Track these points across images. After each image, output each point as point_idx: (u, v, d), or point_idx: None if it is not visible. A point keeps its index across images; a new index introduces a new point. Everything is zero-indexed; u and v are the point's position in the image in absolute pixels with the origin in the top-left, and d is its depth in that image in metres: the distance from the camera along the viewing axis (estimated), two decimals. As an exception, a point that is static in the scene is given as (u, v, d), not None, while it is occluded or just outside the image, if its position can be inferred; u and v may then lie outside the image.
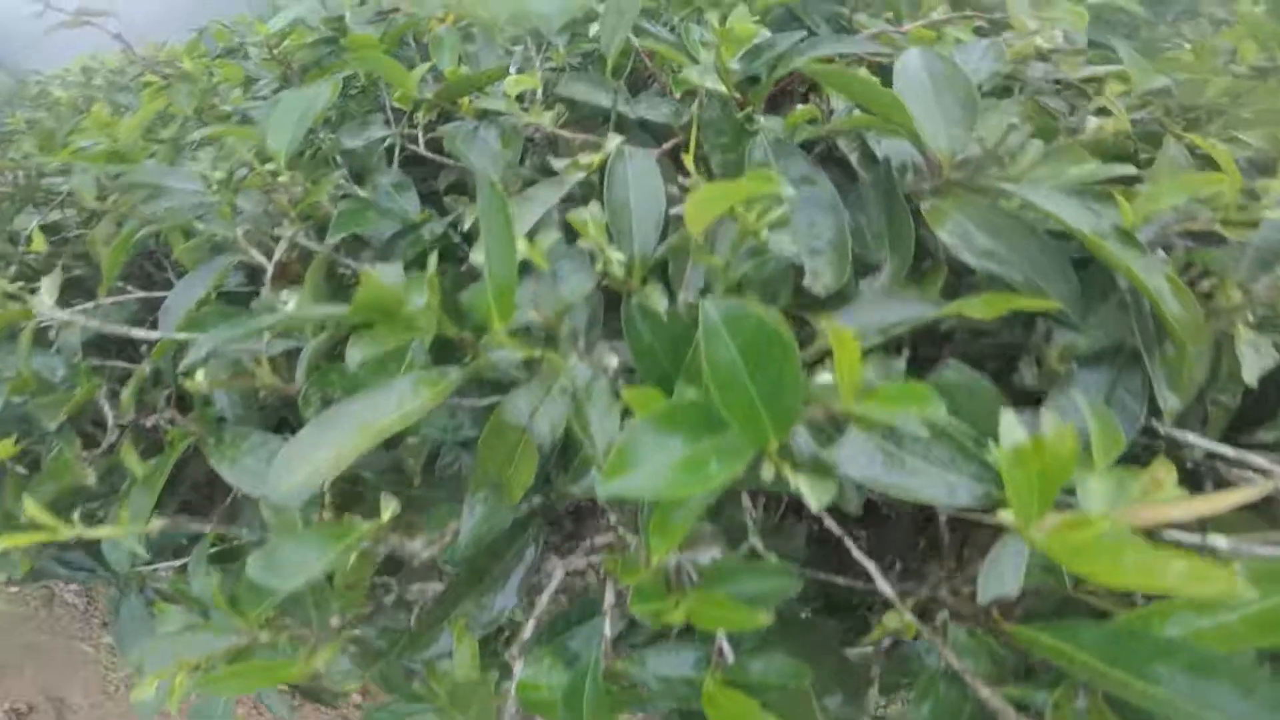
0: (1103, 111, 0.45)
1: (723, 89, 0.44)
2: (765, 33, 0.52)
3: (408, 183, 0.56)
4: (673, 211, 0.40)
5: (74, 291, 0.78)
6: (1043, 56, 0.50)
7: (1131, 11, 0.61)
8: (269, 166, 0.51)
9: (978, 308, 0.33)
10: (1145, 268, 0.32)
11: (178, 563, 0.74)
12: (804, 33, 0.51)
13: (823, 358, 0.38)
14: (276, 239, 0.50)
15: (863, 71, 0.43)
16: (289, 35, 0.73)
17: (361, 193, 0.59)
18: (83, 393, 0.56)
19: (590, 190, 0.40)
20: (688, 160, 0.41)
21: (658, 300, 0.37)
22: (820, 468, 0.33)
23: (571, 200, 0.42)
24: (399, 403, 0.36)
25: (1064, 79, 0.49)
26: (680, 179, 0.38)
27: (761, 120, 0.44)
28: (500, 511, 0.43)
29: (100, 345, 0.72)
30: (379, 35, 0.68)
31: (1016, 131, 0.37)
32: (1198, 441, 0.36)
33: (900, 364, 0.37)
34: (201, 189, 0.50)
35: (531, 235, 0.39)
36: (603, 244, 0.36)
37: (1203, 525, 0.29)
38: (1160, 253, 0.35)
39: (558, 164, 0.40)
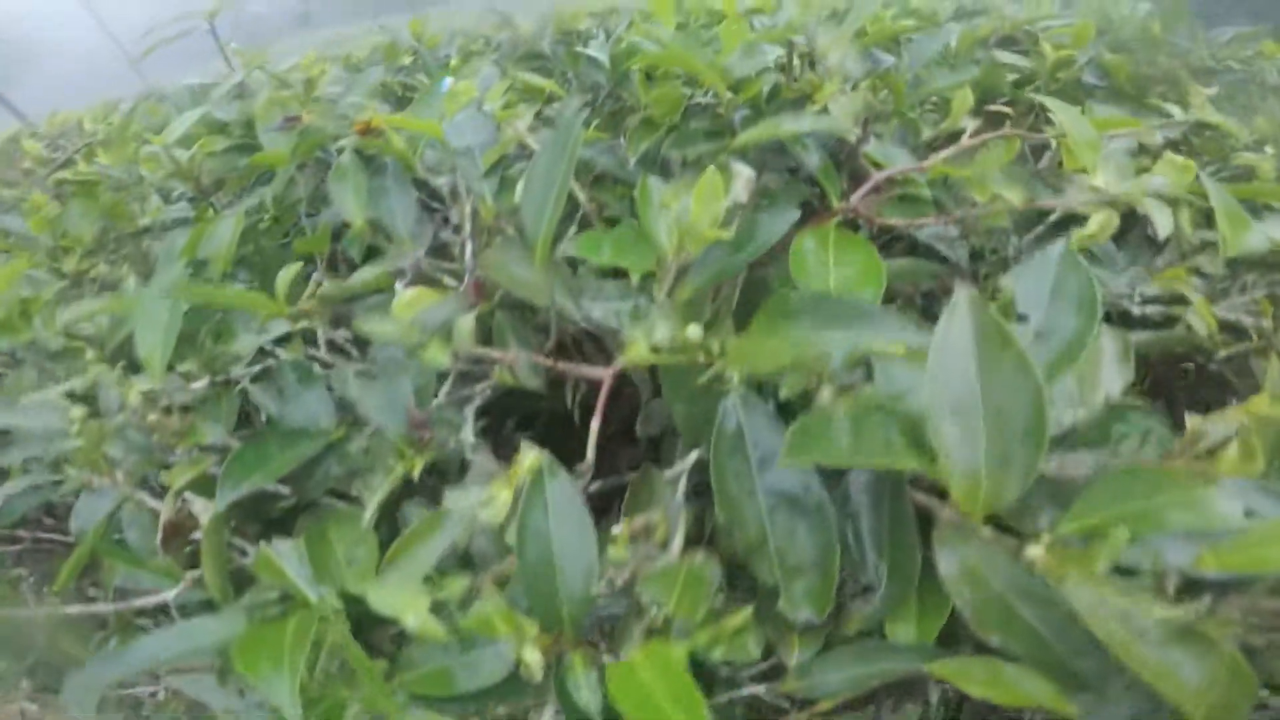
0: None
1: (681, 360, 0.33)
2: (744, 176, 0.40)
3: (313, 374, 0.46)
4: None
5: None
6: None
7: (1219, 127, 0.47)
8: (139, 390, 0.42)
9: (977, 685, 0.27)
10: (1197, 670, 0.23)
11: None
12: (796, 212, 0.39)
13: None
14: (165, 488, 0.42)
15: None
16: (198, 141, 0.62)
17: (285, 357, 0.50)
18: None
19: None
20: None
21: (587, 696, 0.28)
22: None
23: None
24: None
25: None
26: (614, 529, 0.29)
27: (734, 379, 0.34)
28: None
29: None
30: (291, 147, 0.57)
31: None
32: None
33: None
34: (64, 427, 0.42)
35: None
36: (515, 637, 0.27)
37: None
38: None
39: (457, 499, 0.30)
